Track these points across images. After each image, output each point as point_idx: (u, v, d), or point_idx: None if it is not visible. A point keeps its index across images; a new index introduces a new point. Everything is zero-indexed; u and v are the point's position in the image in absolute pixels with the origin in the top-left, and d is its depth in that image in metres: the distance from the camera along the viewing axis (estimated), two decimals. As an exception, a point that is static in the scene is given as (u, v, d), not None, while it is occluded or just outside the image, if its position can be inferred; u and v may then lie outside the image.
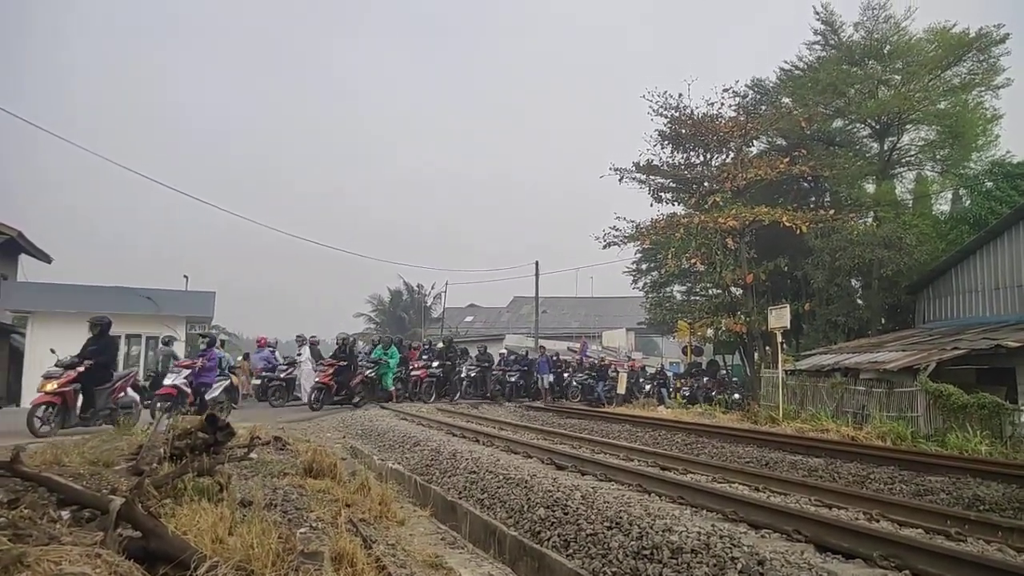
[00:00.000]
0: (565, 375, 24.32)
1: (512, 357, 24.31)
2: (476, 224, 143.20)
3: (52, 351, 11.88)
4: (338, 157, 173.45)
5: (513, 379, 22.82)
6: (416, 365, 20.27)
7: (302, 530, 4.57)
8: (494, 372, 22.73)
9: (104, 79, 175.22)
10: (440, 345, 22.78)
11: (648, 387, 25.63)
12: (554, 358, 25.76)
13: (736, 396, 21.58)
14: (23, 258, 23.79)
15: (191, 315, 22.51)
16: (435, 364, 20.63)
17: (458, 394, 21.16)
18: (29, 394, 13.56)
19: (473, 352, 23.92)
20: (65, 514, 3.62)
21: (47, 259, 24.36)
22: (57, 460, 5.71)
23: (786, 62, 25.85)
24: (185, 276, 30.94)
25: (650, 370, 28.16)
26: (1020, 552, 4.97)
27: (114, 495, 3.79)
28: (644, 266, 28.39)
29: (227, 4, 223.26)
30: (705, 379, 23.50)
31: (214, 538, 3.60)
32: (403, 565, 4.43)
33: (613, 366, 27.91)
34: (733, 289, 24.33)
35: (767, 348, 22.02)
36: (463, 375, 21.86)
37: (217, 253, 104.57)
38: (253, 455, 7.02)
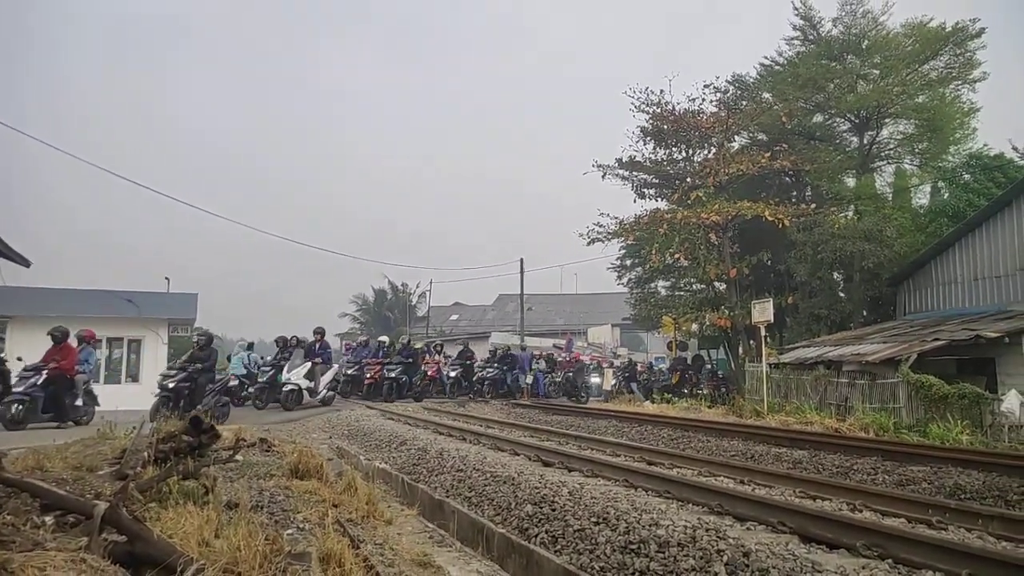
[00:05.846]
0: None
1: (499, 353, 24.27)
2: (460, 223, 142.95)
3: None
4: (322, 160, 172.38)
5: (491, 375, 22.62)
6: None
7: (289, 531, 4.56)
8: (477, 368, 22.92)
9: (88, 83, 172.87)
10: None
11: (614, 382, 25.19)
12: (546, 354, 25.73)
13: (704, 391, 21.53)
14: (0, 262, 23.41)
15: (173, 317, 22.32)
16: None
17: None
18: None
19: (486, 351, 24.40)
20: (49, 519, 3.57)
21: (25, 263, 23.92)
22: (40, 465, 5.64)
23: (766, 57, 26.02)
24: (167, 278, 30.65)
25: (635, 365, 28.02)
26: (1000, 539, 5.05)
27: (98, 500, 3.75)
28: (628, 262, 28.40)
29: (218, 11, 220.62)
30: (674, 367, 23.19)
31: (200, 541, 3.58)
32: (391, 564, 4.43)
33: (597, 361, 27.93)
34: (717, 284, 24.46)
35: (751, 342, 22.15)
36: (453, 375, 22.00)
37: (200, 256, 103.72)
38: (238, 457, 6.99)
